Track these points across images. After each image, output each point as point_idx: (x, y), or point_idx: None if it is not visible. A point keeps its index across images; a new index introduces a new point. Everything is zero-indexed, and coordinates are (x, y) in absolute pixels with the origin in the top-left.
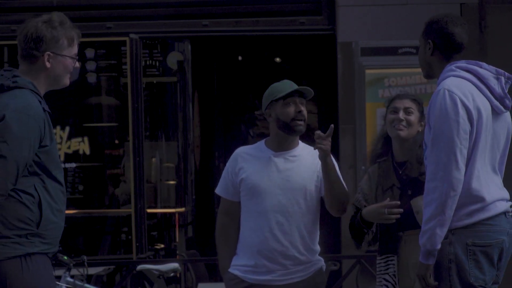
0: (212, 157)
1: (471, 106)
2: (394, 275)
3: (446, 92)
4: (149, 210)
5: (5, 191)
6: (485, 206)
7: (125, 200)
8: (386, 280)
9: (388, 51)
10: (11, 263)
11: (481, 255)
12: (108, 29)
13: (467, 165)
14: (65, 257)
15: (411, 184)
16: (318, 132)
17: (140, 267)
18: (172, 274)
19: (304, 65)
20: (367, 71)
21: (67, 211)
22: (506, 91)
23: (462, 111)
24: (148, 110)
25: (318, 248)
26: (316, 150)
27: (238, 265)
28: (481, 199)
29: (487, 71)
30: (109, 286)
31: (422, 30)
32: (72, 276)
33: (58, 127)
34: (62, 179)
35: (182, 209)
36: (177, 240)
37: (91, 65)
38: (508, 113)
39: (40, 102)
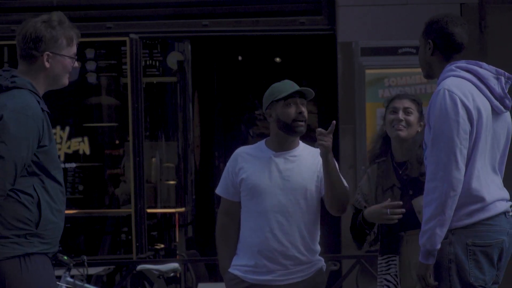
0: (212, 157)
1: (471, 106)
2: (395, 275)
3: (446, 92)
4: (149, 210)
5: (3, 191)
6: (485, 206)
7: (125, 200)
8: (387, 281)
9: (388, 51)
10: (10, 263)
11: (481, 255)
12: (108, 29)
13: (467, 165)
14: (65, 257)
15: (412, 184)
16: (320, 129)
17: (140, 267)
18: (172, 274)
19: (304, 65)
20: (367, 71)
21: (67, 211)
22: (506, 91)
23: (462, 111)
24: (148, 110)
25: (318, 248)
26: (317, 151)
27: (238, 265)
28: (481, 199)
29: (487, 71)
30: (109, 286)
31: (422, 30)
32: (72, 276)
33: (58, 127)
34: (61, 179)
35: (182, 209)
36: (177, 240)
37: (91, 65)
38: (508, 113)
39: (38, 102)
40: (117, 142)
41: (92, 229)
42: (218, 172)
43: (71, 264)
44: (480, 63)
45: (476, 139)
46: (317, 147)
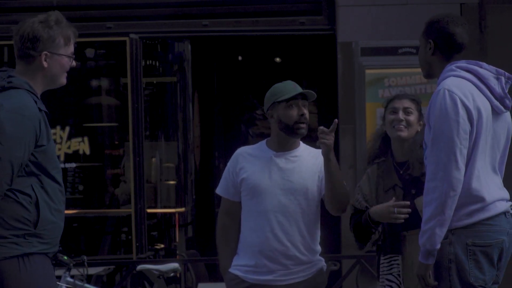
0: (212, 157)
1: (471, 106)
2: (398, 275)
3: (446, 92)
4: (149, 210)
5: (0, 191)
6: (485, 206)
7: (125, 200)
8: (390, 281)
9: (388, 51)
10: (9, 263)
11: (481, 255)
12: (108, 29)
13: (467, 165)
14: (65, 257)
15: (414, 184)
16: (322, 127)
17: (140, 267)
18: (172, 274)
19: (304, 65)
20: (367, 71)
21: (67, 211)
22: (506, 91)
23: (462, 111)
24: (148, 110)
25: (319, 248)
26: (318, 151)
27: (239, 265)
28: (481, 199)
29: (487, 71)
30: (109, 286)
31: (423, 30)
32: (72, 276)
33: (58, 127)
34: (60, 179)
35: (182, 209)
36: (177, 240)
37: (91, 65)
38: (508, 113)
39: (36, 102)
40: (117, 142)
41: (92, 229)
42: (218, 172)
43: (71, 264)
44: (480, 63)
45: (476, 139)
46: (319, 146)
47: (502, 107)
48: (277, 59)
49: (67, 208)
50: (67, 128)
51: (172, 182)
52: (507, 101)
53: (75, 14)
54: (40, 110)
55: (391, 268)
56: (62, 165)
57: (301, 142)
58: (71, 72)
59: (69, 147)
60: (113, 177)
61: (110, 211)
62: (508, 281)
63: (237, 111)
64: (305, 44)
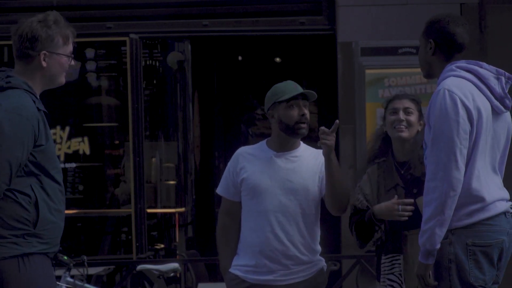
0: (212, 157)
1: (471, 106)
2: (400, 274)
3: (446, 92)
4: (149, 210)
5: None
6: (485, 206)
7: (125, 200)
8: (391, 280)
9: (388, 51)
10: (9, 263)
11: (481, 255)
12: (108, 29)
13: (467, 165)
14: (65, 257)
15: (416, 183)
16: (323, 128)
17: (140, 267)
18: (172, 274)
19: (304, 65)
20: (367, 71)
21: (67, 211)
22: (507, 91)
23: (462, 111)
24: (148, 110)
25: (319, 248)
26: (318, 152)
27: (239, 265)
28: (481, 199)
29: (487, 71)
30: (109, 286)
31: (423, 29)
32: (72, 276)
33: (58, 127)
34: (60, 179)
35: (182, 209)
36: (177, 240)
37: (91, 65)
38: (508, 113)
39: (34, 101)
40: (117, 142)
41: (92, 229)
42: (218, 172)
43: (71, 264)
44: (481, 63)
45: (476, 139)
46: (319, 147)
47: (502, 107)
48: (277, 59)
49: (67, 208)
50: (67, 128)
51: (172, 182)
52: (507, 101)
53: (75, 14)
54: (39, 109)
55: (393, 268)
56: (62, 165)
57: (301, 142)
58: (71, 72)
59: (69, 147)
60: (113, 177)
61: (110, 211)
62: (508, 281)
63: (237, 111)
64: (305, 44)
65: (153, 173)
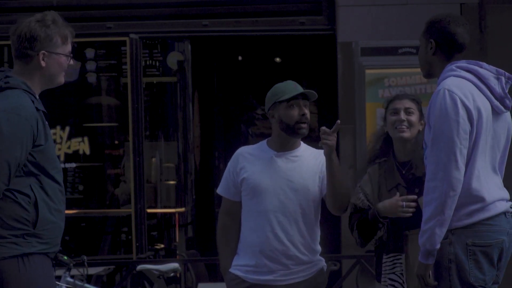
0: (212, 157)
1: (471, 106)
2: (401, 274)
3: (446, 92)
4: (149, 210)
5: None
6: (485, 206)
7: (125, 200)
8: (392, 280)
9: (388, 51)
10: (9, 263)
11: (481, 255)
12: (108, 29)
13: (467, 165)
14: (65, 257)
15: (417, 183)
16: (324, 128)
17: (140, 267)
18: (172, 274)
19: (304, 65)
20: (367, 71)
21: (67, 211)
22: (507, 91)
23: (462, 111)
24: (148, 110)
25: (319, 248)
26: (318, 152)
27: (239, 265)
28: (481, 199)
29: (487, 71)
30: (109, 286)
31: (423, 29)
32: (72, 276)
33: (58, 127)
34: (60, 179)
35: (182, 209)
36: (177, 240)
37: (91, 65)
38: (508, 113)
39: (33, 101)
40: (117, 142)
41: (92, 229)
42: (218, 172)
43: (71, 264)
44: (481, 63)
45: (476, 139)
46: (320, 147)
47: (502, 107)
48: (277, 59)
49: (67, 208)
50: (67, 128)
51: (172, 182)
52: (507, 101)
53: (75, 14)
54: (37, 109)
55: (394, 267)
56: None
57: (301, 142)
58: (71, 72)
59: (69, 147)
60: (113, 177)
61: (110, 211)
62: (508, 281)
63: (237, 111)
64: (305, 44)
65: (153, 173)
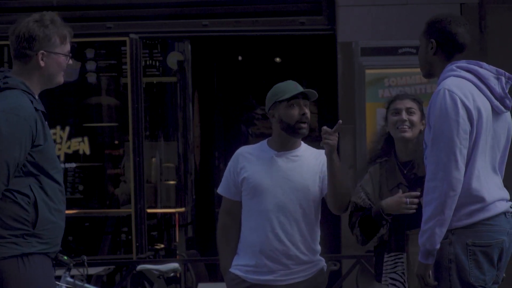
0: (212, 157)
1: (471, 106)
2: (403, 273)
3: (446, 92)
4: (149, 210)
5: None
6: (485, 206)
7: (125, 200)
8: (393, 279)
9: (388, 51)
10: (8, 263)
11: (481, 255)
12: (108, 29)
13: (467, 165)
14: (65, 257)
15: (419, 183)
16: (325, 127)
17: (140, 267)
18: (172, 274)
19: (304, 65)
20: (367, 71)
21: (67, 211)
22: (507, 91)
23: (462, 111)
24: (148, 110)
25: (319, 248)
26: (319, 152)
27: (239, 265)
28: (481, 199)
29: (487, 71)
30: (109, 286)
31: (424, 29)
32: (72, 276)
33: (58, 127)
34: (60, 179)
35: (182, 209)
36: (177, 240)
37: (91, 65)
38: (508, 113)
39: (32, 102)
40: (117, 142)
41: (92, 229)
42: (218, 172)
43: (71, 264)
44: (481, 63)
45: (476, 139)
46: (321, 147)
47: (502, 107)
48: (277, 59)
49: (67, 208)
50: (67, 128)
51: (172, 182)
52: (507, 101)
53: (75, 14)
54: (36, 110)
55: (396, 266)
56: (62, 165)
57: (302, 142)
58: (71, 72)
59: (69, 147)
60: (113, 177)
61: (110, 211)
62: (508, 281)
63: (237, 111)
64: (305, 44)
65: (153, 173)
